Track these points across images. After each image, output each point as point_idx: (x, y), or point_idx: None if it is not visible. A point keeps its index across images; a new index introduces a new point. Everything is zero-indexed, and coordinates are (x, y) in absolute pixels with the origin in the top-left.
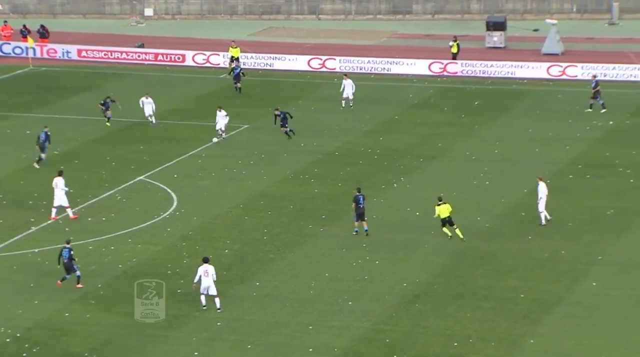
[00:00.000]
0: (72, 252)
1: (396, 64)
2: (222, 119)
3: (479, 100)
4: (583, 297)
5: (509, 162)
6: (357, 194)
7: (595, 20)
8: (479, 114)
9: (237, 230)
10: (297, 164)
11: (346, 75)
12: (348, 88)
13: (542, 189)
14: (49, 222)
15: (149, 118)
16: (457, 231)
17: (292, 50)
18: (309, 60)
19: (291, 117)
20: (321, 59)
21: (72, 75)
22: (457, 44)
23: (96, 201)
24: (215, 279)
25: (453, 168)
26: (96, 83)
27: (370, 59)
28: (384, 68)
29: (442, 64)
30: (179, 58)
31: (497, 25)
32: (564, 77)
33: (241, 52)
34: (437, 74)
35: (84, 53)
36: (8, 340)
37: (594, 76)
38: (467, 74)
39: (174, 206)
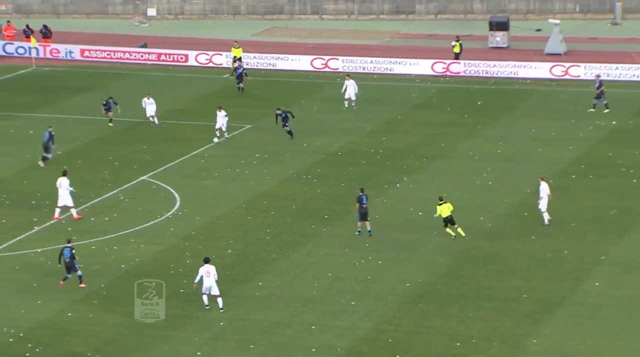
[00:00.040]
0: (73, 251)
1: (399, 64)
2: (221, 119)
3: (481, 100)
4: (586, 297)
5: (511, 162)
6: (361, 194)
7: (598, 20)
8: (482, 114)
9: (240, 230)
10: (300, 164)
11: (349, 76)
12: (350, 89)
13: (544, 188)
14: (52, 222)
15: (151, 118)
16: (459, 229)
17: (295, 50)
18: (312, 60)
19: (293, 117)
20: (324, 59)
21: (75, 75)
22: (460, 44)
23: (99, 200)
24: (216, 279)
25: (456, 168)
26: (99, 83)
27: (373, 59)
28: (387, 68)
29: (445, 64)
30: (181, 58)
31: (500, 25)
32: (566, 77)
33: (244, 52)
34: (440, 74)
35: (86, 53)
36: (11, 340)
37: (598, 76)
38: (470, 74)
39: (176, 206)
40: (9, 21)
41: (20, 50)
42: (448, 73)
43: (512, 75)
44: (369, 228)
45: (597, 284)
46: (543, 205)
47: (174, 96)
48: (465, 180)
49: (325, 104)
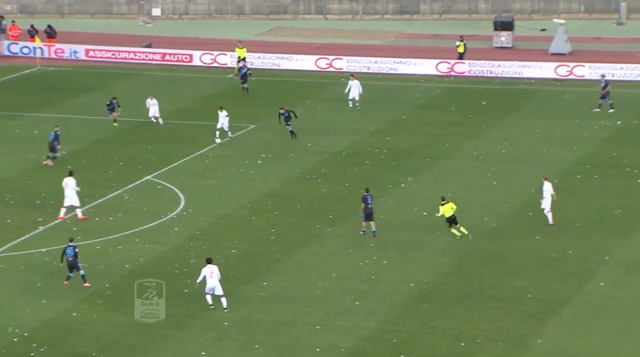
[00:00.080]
0: (76, 250)
1: (403, 63)
2: (222, 119)
3: (486, 100)
4: (590, 297)
5: (516, 162)
6: (365, 194)
7: (603, 20)
8: (487, 114)
9: (244, 230)
10: (304, 164)
11: (353, 76)
12: (354, 89)
13: (547, 188)
14: (57, 221)
15: (153, 119)
16: (462, 228)
17: (300, 50)
18: (316, 60)
19: (296, 117)
20: (328, 59)
21: (80, 75)
22: (464, 44)
23: (103, 200)
24: (220, 278)
25: (460, 168)
26: (104, 83)
27: (378, 58)
28: (391, 68)
29: (450, 64)
30: (186, 58)
31: (504, 25)
32: (571, 77)
33: (248, 52)
34: (445, 74)
35: (91, 53)
36: (15, 339)
37: (603, 76)
38: (474, 74)
39: (181, 206)
40: (13, 21)
41: (25, 50)
42: (452, 73)
43: (517, 75)
44: (373, 228)
45: (601, 284)
46: (546, 204)
47: (179, 96)
48: (469, 180)
49: (329, 104)
